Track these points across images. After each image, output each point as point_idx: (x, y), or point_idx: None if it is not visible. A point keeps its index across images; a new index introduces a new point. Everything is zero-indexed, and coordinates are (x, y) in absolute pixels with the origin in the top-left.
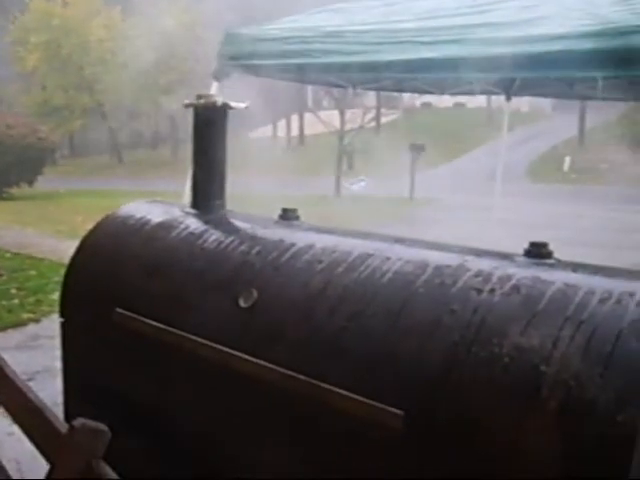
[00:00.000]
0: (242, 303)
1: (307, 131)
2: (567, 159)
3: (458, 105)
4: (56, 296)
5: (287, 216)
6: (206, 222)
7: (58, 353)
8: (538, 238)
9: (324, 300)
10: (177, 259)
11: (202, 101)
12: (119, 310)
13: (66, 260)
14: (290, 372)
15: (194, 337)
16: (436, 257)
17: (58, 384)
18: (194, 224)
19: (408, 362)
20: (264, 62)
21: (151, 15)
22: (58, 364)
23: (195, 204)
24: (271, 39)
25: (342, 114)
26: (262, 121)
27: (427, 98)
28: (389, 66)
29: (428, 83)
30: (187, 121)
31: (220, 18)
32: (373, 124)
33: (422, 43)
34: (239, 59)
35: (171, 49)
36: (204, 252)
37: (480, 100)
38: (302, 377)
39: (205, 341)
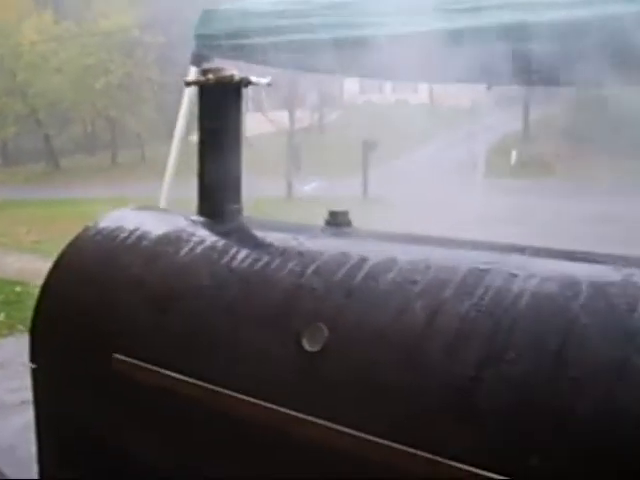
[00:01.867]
0: (307, 345)
1: (248, 133)
2: (514, 153)
3: (400, 102)
4: None
5: (337, 221)
6: (226, 233)
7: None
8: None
9: (435, 337)
10: (197, 285)
11: (211, 77)
12: (119, 357)
13: (15, 275)
14: (396, 444)
15: (234, 394)
16: (584, 271)
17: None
18: (211, 237)
19: (588, 432)
20: (254, 41)
21: (86, 18)
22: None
23: (204, 210)
24: (261, 13)
25: (291, 113)
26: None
27: (369, 95)
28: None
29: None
30: (125, 126)
31: (160, 20)
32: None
33: (461, 10)
34: (222, 39)
35: (109, 53)
36: (235, 274)
37: (422, 97)
38: (416, 452)
39: (253, 399)
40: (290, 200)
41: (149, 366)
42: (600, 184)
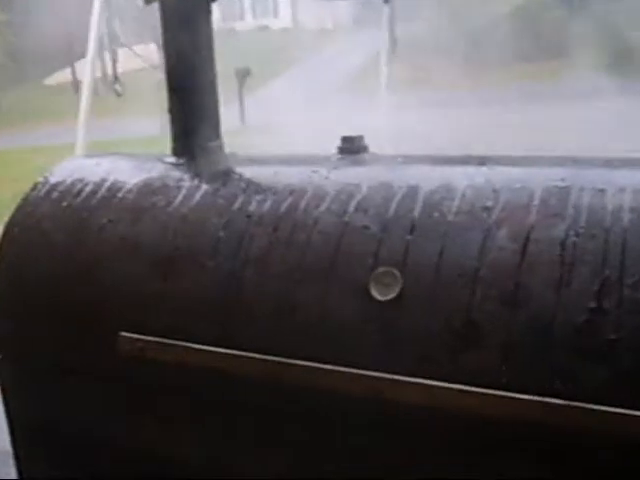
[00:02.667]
0: (378, 294)
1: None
2: (384, 70)
3: (262, 28)
4: None
5: (353, 147)
6: (223, 175)
7: None
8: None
9: (535, 269)
10: (210, 239)
11: None
12: (126, 335)
13: None
14: (524, 397)
15: (303, 362)
16: None
17: None
18: (206, 180)
19: None
20: None
21: None
22: None
23: (181, 150)
24: None
25: (159, 46)
26: (60, 65)
27: (230, 23)
28: None
29: None
30: None
31: None
32: None
33: None
34: None
35: None
36: (256, 221)
37: (284, 21)
38: (567, 404)
39: (327, 366)
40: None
41: (177, 342)
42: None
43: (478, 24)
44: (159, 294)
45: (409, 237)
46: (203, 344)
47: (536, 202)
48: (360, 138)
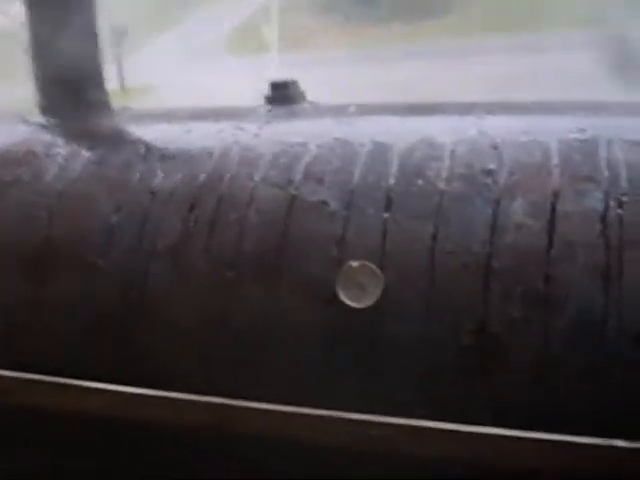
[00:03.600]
0: (348, 299)
1: None
2: (264, 29)
3: None
4: None
5: (287, 95)
6: (112, 137)
7: None
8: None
9: (586, 249)
10: (97, 229)
11: None
12: None
13: None
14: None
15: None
16: None
17: None
18: (89, 145)
19: None
20: None
21: None
22: None
23: (50, 107)
24: None
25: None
26: None
27: None
28: None
29: None
30: None
31: None
32: None
33: None
34: None
35: None
36: (165, 200)
37: None
38: None
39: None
40: None
41: (61, 380)
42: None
43: None
44: (31, 307)
45: (386, 215)
46: (100, 381)
47: (555, 160)
48: (295, 84)
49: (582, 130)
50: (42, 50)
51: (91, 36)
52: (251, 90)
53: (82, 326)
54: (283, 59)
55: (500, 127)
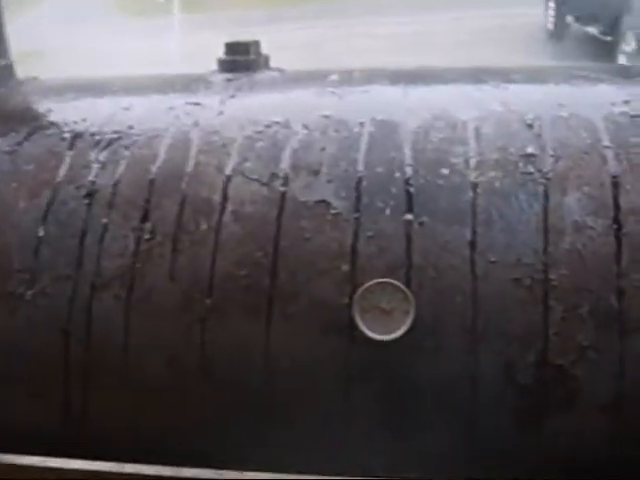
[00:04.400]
0: (369, 329)
1: None
2: None
3: None
4: None
5: (248, 62)
6: (28, 118)
7: None
8: None
9: None
10: (14, 246)
11: None
12: None
13: None
14: None
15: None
16: None
17: None
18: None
19: None
20: None
21: None
22: None
23: None
24: None
25: None
26: None
27: None
28: None
29: None
30: None
31: None
32: None
33: None
34: None
35: None
36: (106, 204)
37: None
38: None
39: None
40: None
41: None
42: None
43: None
44: None
45: (408, 217)
46: (36, 452)
47: (606, 141)
48: (256, 45)
49: (627, 102)
50: None
51: None
52: (158, 54)
53: (2, 379)
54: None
55: (528, 99)
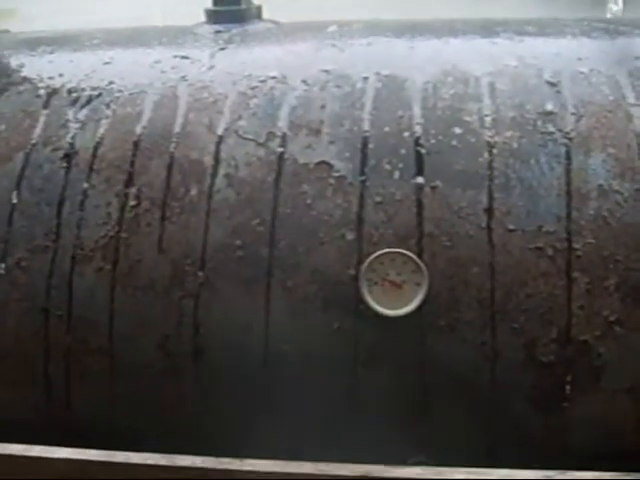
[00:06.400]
0: (378, 304)
1: None
2: None
3: None
4: None
5: (239, 12)
6: (5, 71)
7: None
8: None
9: None
10: None
11: None
12: None
13: None
14: None
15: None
16: None
17: None
18: None
19: None
20: None
21: None
22: None
23: None
24: None
25: None
26: None
27: None
28: None
29: None
30: None
31: None
32: None
33: None
34: None
35: None
36: (86, 167)
37: None
38: None
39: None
40: None
41: None
42: None
43: None
44: None
45: (419, 180)
46: (17, 439)
47: (631, 98)
48: None
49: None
50: None
51: None
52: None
53: None
54: None
55: (545, 53)
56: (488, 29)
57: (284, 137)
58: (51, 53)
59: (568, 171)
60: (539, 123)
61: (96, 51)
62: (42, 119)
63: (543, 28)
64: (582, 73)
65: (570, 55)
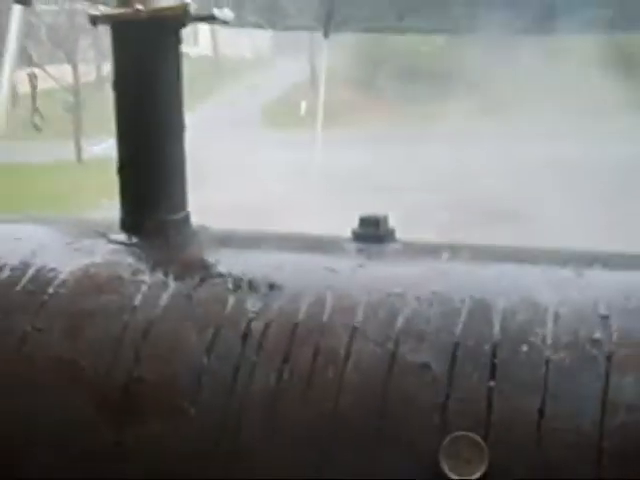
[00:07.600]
0: (451, 472)
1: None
2: (303, 103)
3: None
4: None
5: (378, 234)
6: (199, 266)
7: None
8: None
9: None
10: (187, 370)
11: (141, 8)
12: None
13: None
14: None
15: None
16: None
17: None
18: (176, 274)
19: None
20: None
21: None
22: None
23: (130, 224)
24: None
25: (75, 67)
26: None
27: None
28: None
29: None
30: None
31: None
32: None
33: None
34: None
35: None
36: (257, 345)
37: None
38: None
39: None
40: (81, 164)
41: None
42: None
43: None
44: (110, 452)
45: (492, 384)
46: None
47: None
48: (385, 220)
49: None
50: (125, 165)
51: (179, 146)
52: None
53: (165, 476)
54: (318, 135)
55: (602, 287)
56: (561, 259)
57: (397, 341)
58: (238, 253)
59: (604, 386)
60: (587, 347)
61: (269, 253)
62: (229, 306)
63: (604, 263)
64: (630, 310)
65: (623, 290)
